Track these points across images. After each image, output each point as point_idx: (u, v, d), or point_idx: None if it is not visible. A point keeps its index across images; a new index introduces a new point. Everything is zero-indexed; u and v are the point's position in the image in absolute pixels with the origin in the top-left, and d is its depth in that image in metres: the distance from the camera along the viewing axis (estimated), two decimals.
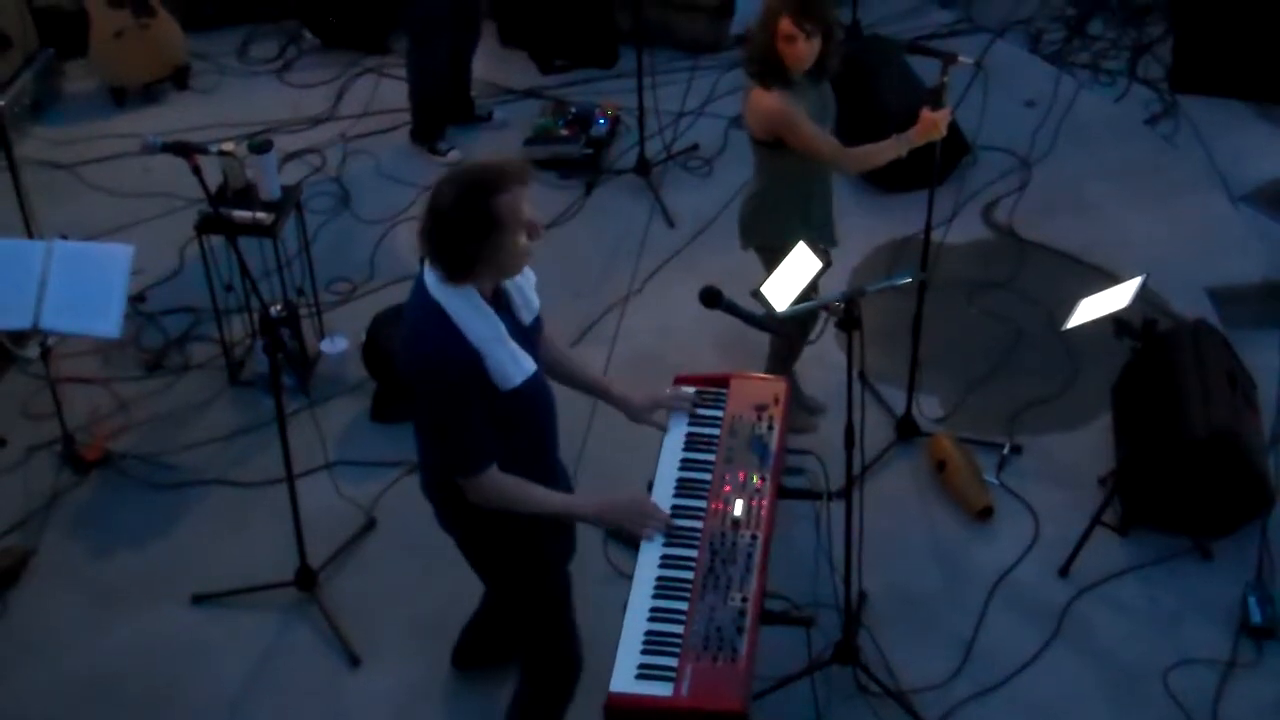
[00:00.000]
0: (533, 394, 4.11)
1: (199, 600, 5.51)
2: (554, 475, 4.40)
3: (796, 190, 5.50)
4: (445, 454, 4.13)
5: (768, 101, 5.28)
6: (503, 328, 3.98)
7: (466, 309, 3.94)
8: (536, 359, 4.13)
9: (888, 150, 5.37)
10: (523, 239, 3.94)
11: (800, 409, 5.95)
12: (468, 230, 3.85)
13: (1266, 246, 7.07)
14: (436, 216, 3.87)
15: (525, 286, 4.17)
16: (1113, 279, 5.82)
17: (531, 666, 4.67)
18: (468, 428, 4.01)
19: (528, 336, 4.15)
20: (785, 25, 5.19)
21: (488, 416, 4.01)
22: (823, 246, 5.49)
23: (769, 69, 5.27)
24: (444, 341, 3.92)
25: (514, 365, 3.99)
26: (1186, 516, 5.58)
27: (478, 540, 4.36)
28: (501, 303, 4.08)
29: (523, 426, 4.17)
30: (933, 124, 5.29)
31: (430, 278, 3.98)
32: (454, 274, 3.92)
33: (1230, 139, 7.88)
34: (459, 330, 3.92)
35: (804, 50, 5.22)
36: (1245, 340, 6.23)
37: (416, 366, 4.01)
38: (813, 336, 5.90)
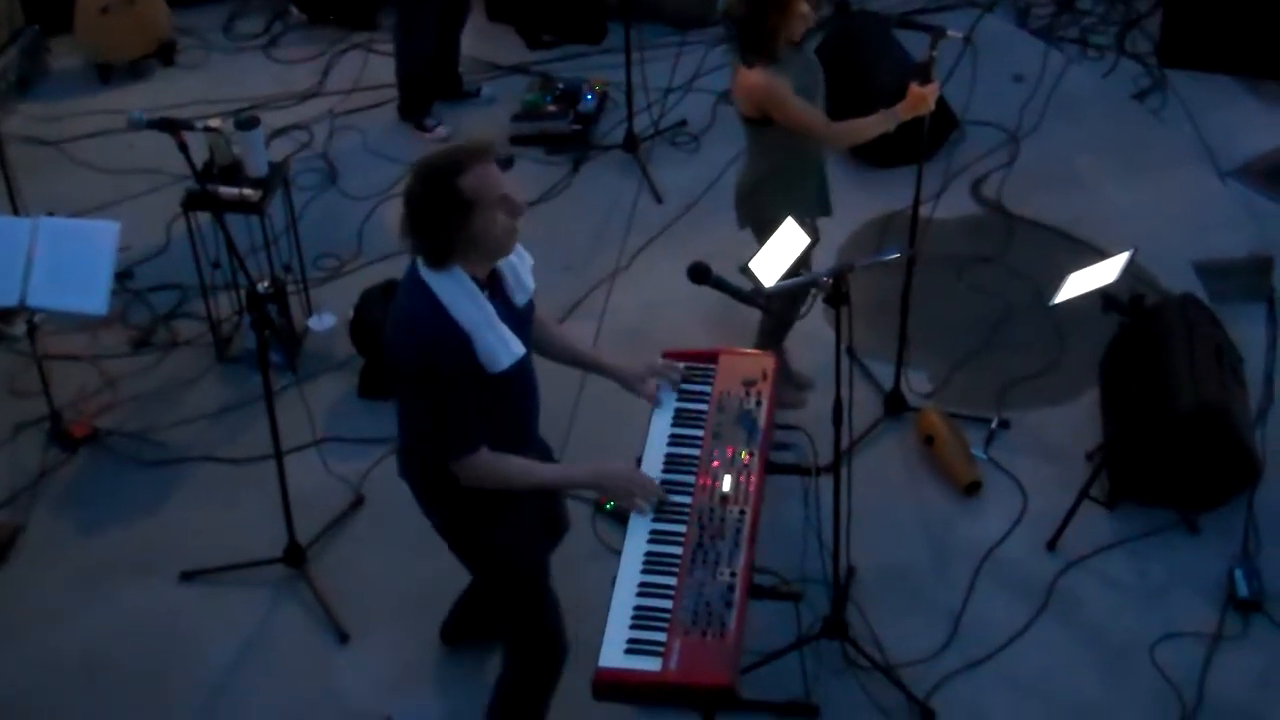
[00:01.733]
0: (519, 377, 4.11)
1: (188, 577, 5.52)
2: (536, 453, 4.41)
3: (789, 166, 5.49)
4: (436, 437, 4.12)
5: (754, 78, 5.27)
6: (492, 311, 3.97)
7: (456, 292, 3.93)
8: (526, 341, 4.13)
9: (876, 125, 5.36)
10: (500, 216, 3.92)
11: (788, 385, 5.95)
12: (439, 215, 3.85)
13: (1254, 221, 7.08)
14: (409, 205, 3.89)
15: (520, 268, 4.15)
16: (1100, 254, 5.82)
17: (516, 648, 4.67)
18: (458, 411, 4.00)
19: (519, 319, 4.14)
20: (803, 6, 5.21)
21: (476, 398, 4.00)
22: (811, 222, 5.49)
23: (757, 46, 5.26)
24: (433, 325, 3.92)
25: (503, 348, 3.99)
26: (1173, 490, 5.60)
27: (455, 523, 4.36)
28: (495, 285, 4.07)
29: (507, 407, 4.17)
30: (921, 99, 5.29)
31: (422, 262, 3.98)
32: (435, 259, 3.92)
33: (1218, 114, 7.88)
34: (448, 313, 3.91)
35: (809, 15, 5.23)
36: (1232, 315, 6.24)
37: (406, 350, 3.99)
38: (802, 312, 5.89)
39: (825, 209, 5.71)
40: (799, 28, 5.27)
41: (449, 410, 4.01)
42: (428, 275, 3.95)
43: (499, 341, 3.98)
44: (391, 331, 4.06)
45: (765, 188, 5.53)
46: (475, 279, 3.97)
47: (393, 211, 7.17)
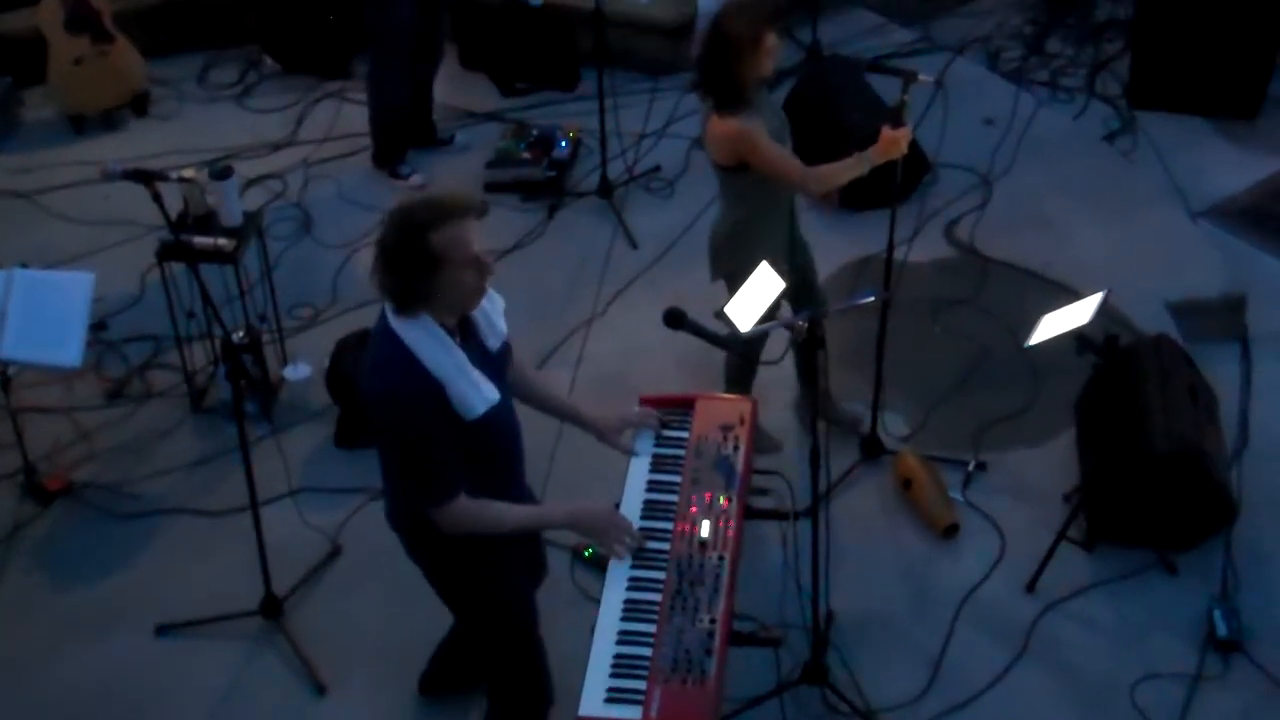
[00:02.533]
0: (497, 422, 4.10)
1: (163, 631, 5.47)
2: (520, 500, 4.40)
3: (763, 214, 5.49)
4: (412, 485, 4.11)
5: (729, 125, 5.27)
6: (464, 357, 3.97)
7: (425, 340, 3.93)
8: (503, 386, 4.12)
9: (850, 168, 5.37)
10: (468, 275, 3.92)
11: (761, 432, 5.95)
12: (409, 267, 3.85)
13: (1225, 261, 7.12)
14: (381, 251, 3.89)
15: (493, 313, 4.15)
16: (1074, 295, 5.84)
17: (500, 696, 4.65)
18: (433, 458, 3.99)
19: (494, 364, 4.14)
20: (771, 40, 5.20)
21: (453, 445, 3.99)
22: (785, 265, 5.50)
23: (730, 93, 5.26)
24: (404, 374, 3.91)
25: (476, 395, 3.98)
26: (1151, 531, 5.61)
27: (445, 570, 4.35)
28: (468, 330, 4.07)
29: (488, 454, 4.16)
30: (893, 142, 5.29)
31: (389, 310, 3.97)
32: (401, 306, 3.92)
33: (1188, 154, 7.93)
34: (419, 361, 3.91)
35: (776, 47, 5.25)
36: (1206, 354, 6.27)
37: (379, 399, 3.98)
38: (775, 356, 5.89)
39: (795, 256, 5.71)
40: (769, 63, 5.26)
41: (425, 459, 4.01)
42: (397, 324, 3.94)
43: (472, 388, 3.97)
44: (365, 381, 4.04)
45: (739, 236, 5.52)
46: (445, 326, 3.97)
47: (367, 259, 7.20)
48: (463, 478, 4.06)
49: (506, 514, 4.19)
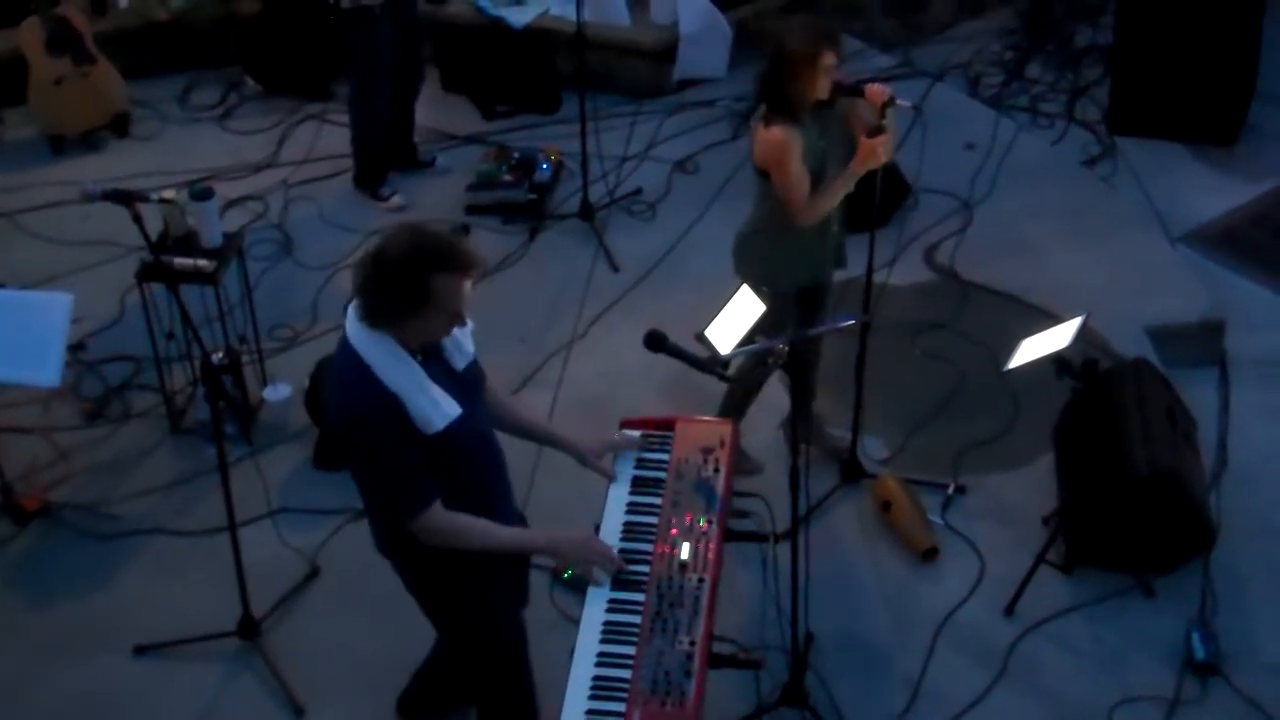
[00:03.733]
0: (464, 438, 4.08)
1: (141, 651, 5.45)
2: (508, 523, 4.38)
3: (785, 223, 5.45)
4: (385, 500, 4.12)
5: (773, 131, 5.25)
6: (422, 374, 3.97)
7: (384, 357, 3.94)
8: (472, 404, 4.12)
9: (837, 189, 5.36)
10: (443, 324, 3.96)
11: (744, 455, 5.96)
12: (398, 292, 3.86)
13: (1204, 286, 7.14)
14: (378, 263, 3.88)
15: (459, 335, 4.15)
16: (1053, 319, 5.86)
17: (489, 715, 4.63)
18: (400, 471, 4.00)
19: (460, 382, 4.13)
20: (829, 60, 5.20)
21: (419, 457, 3.99)
22: (820, 282, 5.60)
23: (782, 106, 5.25)
24: (364, 390, 3.92)
25: (434, 410, 3.97)
26: (1129, 554, 5.62)
27: (436, 591, 4.35)
28: (430, 349, 4.07)
29: (461, 470, 4.14)
30: (871, 150, 5.28)
31: (351, 326, 3.98)
32: (370, 319, 3.93)
33: (1167, 180, 7.97)
34: (375, 376, 3.92)
35: (832, 67, 5.25)
36: (1184, 379, 6.29)
37: (342, 417, 4.02)
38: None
39: (820, 273, 5.72)
40: (825, 83, 5.24)
41: (392, 471, 4.01)
42: (356, 339, 3.96)
43: (430, 404, 3.97)
44: (329, 403, 4.11)
45: (758, 239, 5.53)
46: (405, 346, 3.97)
47: (349, 281, 7.18)
48: (435, 489, 4.06)
49: (485, 531, 4.17)
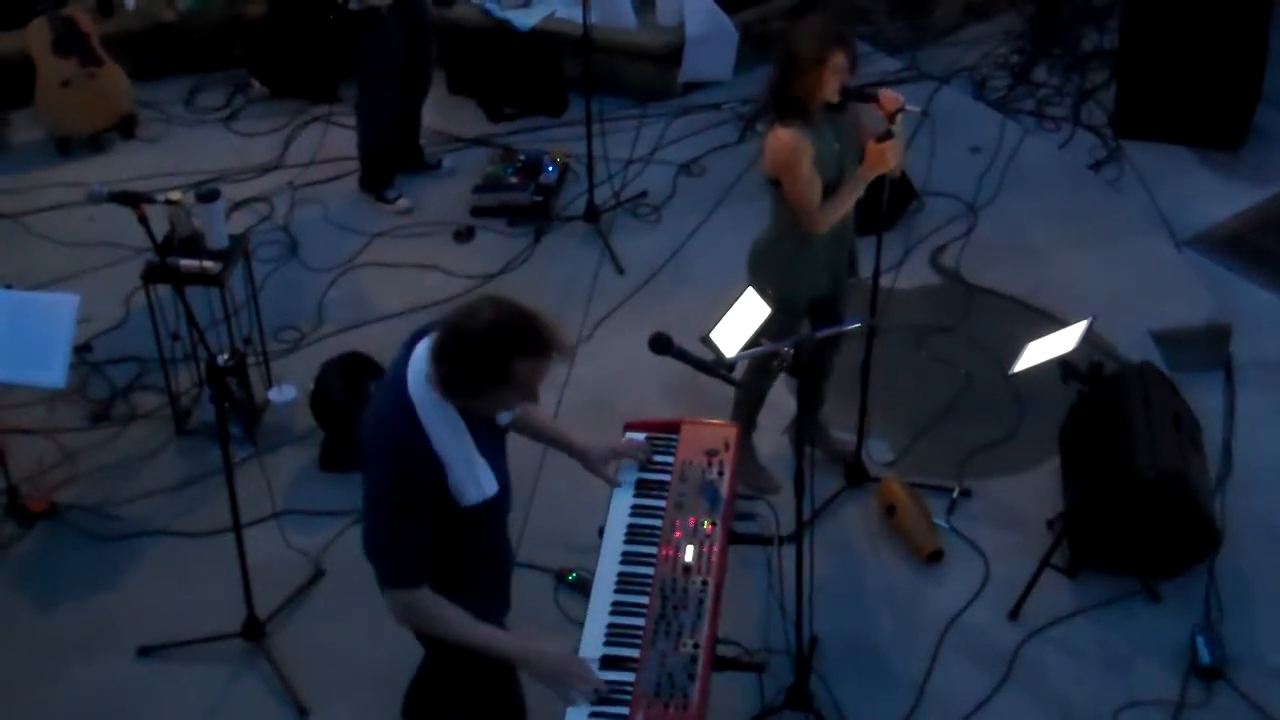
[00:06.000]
0: (488, 514, 4.02)
1: (145, 652, 5.45)
2: (497, 598, 4.32)
3: (800, 233, 5.44)
4: (380, 560, 4.00)
5: (783, 135, 5.22)
6: (471, 446, 3.88)
7: (440, 421, 3.83)
8: (502, 464, 4.04)
9: (849, 196, 5.35)
10: (516, 401, 3.87)
11: (763, 470, 5.95)
12: (477, 373, 3.72)
13: (1210, 290, 7.14)
14: (458, 337, 3.71)
15: None
16: (1059, 323, 5.86)
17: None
18: (408, 540, 3.89)
19: (499, 439, 4.08)
20: (838, 60, 5.16)
21: (435, 527, 3.89)
22: (836, 291, 5.61)
23: (792, 108, 5.22)
24: (410, 446, 3.81)
25: (473, 486, 3.90)
26: (1134, 558, 5.61)
27: None
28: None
29: (473, 535, 4.07)
30: (879, 155, 5.26)
31: (414, 375, 3.84)
32: (442, 387, 3.78)
33: (1173, 184, 7.97)
34: (428, 440, 3.81)
35: (844, 68, 5.21)
36: (1190, 382, 6.28)
37: (378, 459, 3.89)
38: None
39: (835, 283, 5.69)
40: (834, 84, 5.20)
41: (398, 533, 3.90)
42: (416, 391, 3.82)
43: (471, 479, 3.88)
44: (369, 434, 3.93)
45: (775, 251, 5.51)
46: (464, 413, 3.87)
47: (354, 283, 7.22)
48: (428, 573, 3.94)
49: (465, 624, 3.99)
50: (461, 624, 3.98)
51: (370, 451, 3.93)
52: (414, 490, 3.83)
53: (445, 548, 3.98)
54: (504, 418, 4.10)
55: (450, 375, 3.74)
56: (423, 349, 3.84)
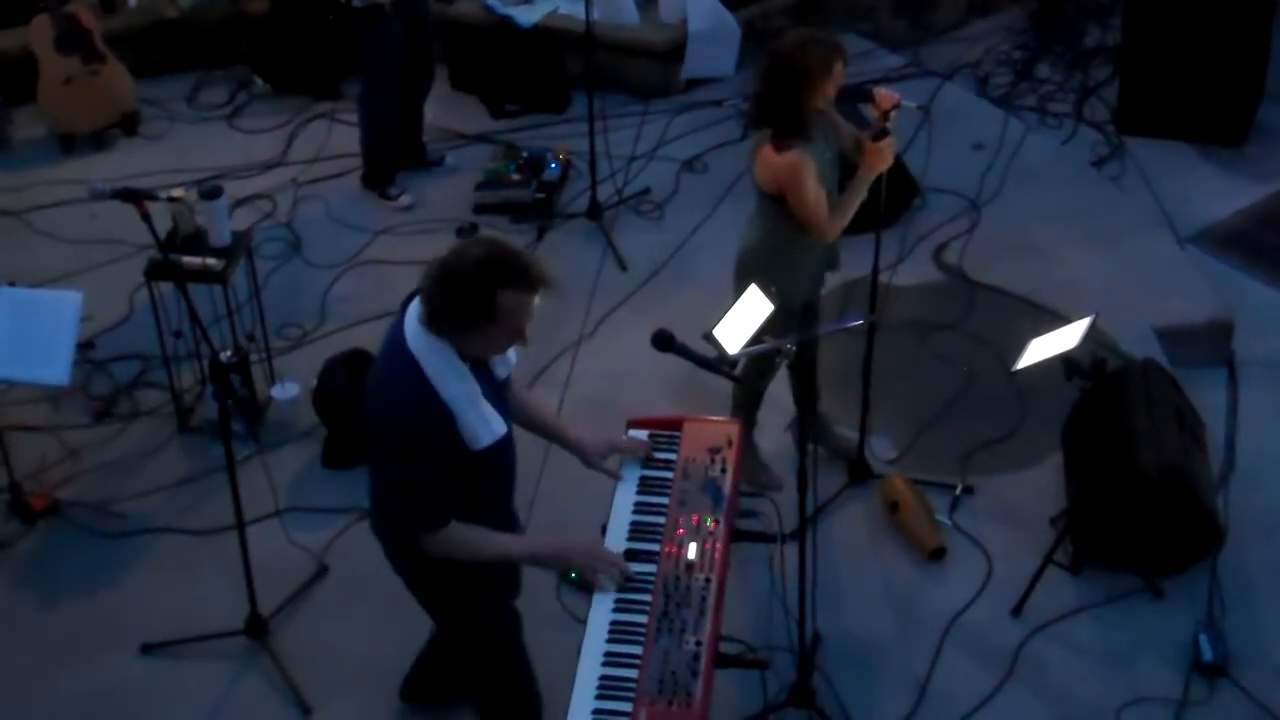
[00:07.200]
0: (499, 453, 4.09)
1: (148, 650, 5.46)
2: (510, 523, 4.40)
3: (795, 241, 5.43)
4: (406, 510, 4.10)
5: (785, 157, 5.19)
6: (477, 388, 3.96)
7: (442, 367, 3.90)
8: (506, 415, 4.12)
9: (853, 201, 5.34)
10: (504, 340, 3.94)
11: (766, 468, 5.95)
12: (464, 304, 3.82)
13: (1212, 286, 7.13)
14: (447, 271, 3.83)
15: None
16: (1062, 319, 5.85)
17: (489, 708, 4.63)
18: (431, 485, 3.99)
19: (500, 392, 4.13)
20: (841, 66, 5.16)
21: (452, 473, 3.99)
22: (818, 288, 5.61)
23: (793, 123, 5.19)
24: (416, 398, 3.89)
25: (484, 427, 3.97)
26: (1137, 555, 5.61)
27: (426, 577, 4.34)
28: (480, 360, 4.06)
29: (485, 482, 4.15)
30: (877, 154, 5.27)
31: (410, 327, 3.94)
32: (433, 325, 3.88)
33: (1176, 181, 7.96)
34: (433, 389, 3.89)
35: (841, 73, 5.20)
36: (1193, 379, 6.28)
37: (384, 419, 3.96)
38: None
39: (820, 282, 5.72)
40: (832, 90, 5.20)
41: (424, 485, 4.00)
42: (415, 342, 3.91)
43: (480, 420, 3.96)
44: (372, 399, 4.01)
45: (774, 257, 5.49)
46: (462, 355, 3.95)
47: (357, 280, 7.22)
48: (456, 505, 4.06)
49: (494, 542, 4.18)
50: (492, 543, 4.18)
51: (378, 414, 3.98)
52: (426, 439, 3.91)
53: (460, 496, 4.06)
54: (501, 371, 4.15)
55: (439, 311, 3.85)
56: (416, 306, 3.95)
